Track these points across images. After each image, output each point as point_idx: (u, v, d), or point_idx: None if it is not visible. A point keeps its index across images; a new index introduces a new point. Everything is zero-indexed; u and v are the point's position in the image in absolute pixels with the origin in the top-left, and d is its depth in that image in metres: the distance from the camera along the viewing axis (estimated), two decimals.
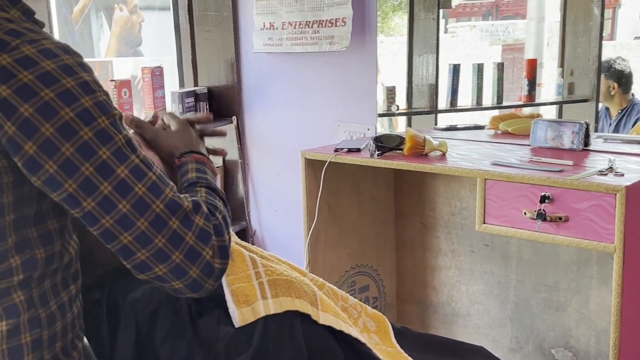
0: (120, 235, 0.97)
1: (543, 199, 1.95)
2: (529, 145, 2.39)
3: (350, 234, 2.66)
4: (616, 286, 1.83)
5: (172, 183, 1.04)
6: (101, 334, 1.23)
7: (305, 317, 1.30)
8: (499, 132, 2.72)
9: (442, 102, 3.49)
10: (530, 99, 3.57)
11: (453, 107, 3.59)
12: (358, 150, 2.42)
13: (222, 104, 3.23)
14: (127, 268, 1.01)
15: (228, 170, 3.28)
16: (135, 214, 0.97)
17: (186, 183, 1.17)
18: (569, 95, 3.63)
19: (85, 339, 1.16)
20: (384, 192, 2.77)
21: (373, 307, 2.75)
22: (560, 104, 3.66)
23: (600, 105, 3.45)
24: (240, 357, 1.22)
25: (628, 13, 4.15)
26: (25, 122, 0.91)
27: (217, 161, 3.29)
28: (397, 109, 3.10)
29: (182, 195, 1.04)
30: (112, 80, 2.82)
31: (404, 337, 1.59)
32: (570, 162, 2.09)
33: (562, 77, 3.63)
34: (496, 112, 3.34)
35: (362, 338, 1.37)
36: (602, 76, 3.38)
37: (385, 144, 2.34)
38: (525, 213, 1.99)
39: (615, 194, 1.80)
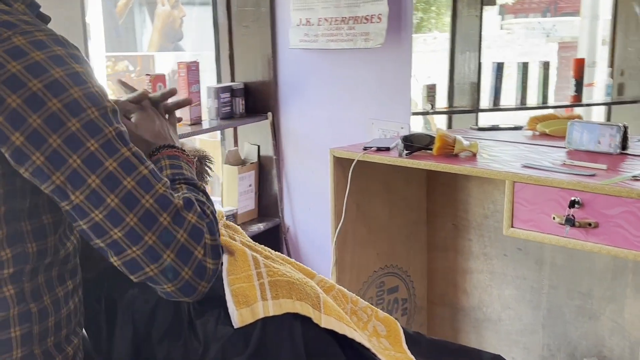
0: (110, 230, 0.94)
1: (572, 204, 1.88)
2: (564, 147, 2.32)
3: (380, 234, 2.62)
4: None
5: (165, 179, 1.01)
6: (100, 330, 1.22)
7: (306, 320, 1.27)
8: (537, 133, 2.65)
9: (485, 101, 3.42)
10: (578, 100, 3.46)
11: (496, 106, 3.50)
12: (387, 149, 2.38)
13: (258, 99, 3.22)
14: None
15: (263, 166, 3.27)
16: (124, 209, 0.94)
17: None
18: (619, 96, 3.51)
19: (83, 335, 1.15)
20: (416, 192, 2.72)
21: (402, 309, 2.73)
22: (608, 105, 3.54)
23: None
24: (236, 358, 1.20)
25: None
26: (13, 113, 0.90)
27: (252, 157, 3.28)
28: (431, 108, 3.04)
29: (175, 192, 1.02)
30: (147, 75, 2.83)
31: (416, 342, 1.55)
32: (604, 166, 2.01)
33: (612, 77, 3.51)
34: (541, 113, 3.26)
35: (367, 343, 1.33)
36: None
37: (415, 144, 2.30)
38: (554, 218, 1.92)
39: None
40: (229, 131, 3.36)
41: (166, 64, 3.80)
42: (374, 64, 2.83)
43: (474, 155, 2.25)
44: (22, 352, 1.00)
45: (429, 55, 3.90)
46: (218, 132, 3.47)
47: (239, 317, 1.23)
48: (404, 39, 2.74)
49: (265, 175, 3.28)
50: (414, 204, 2.72)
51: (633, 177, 1.89)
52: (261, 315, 1.24)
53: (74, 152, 0.92)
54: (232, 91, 3.15)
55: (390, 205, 2.64)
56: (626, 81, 3.44)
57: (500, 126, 2.81)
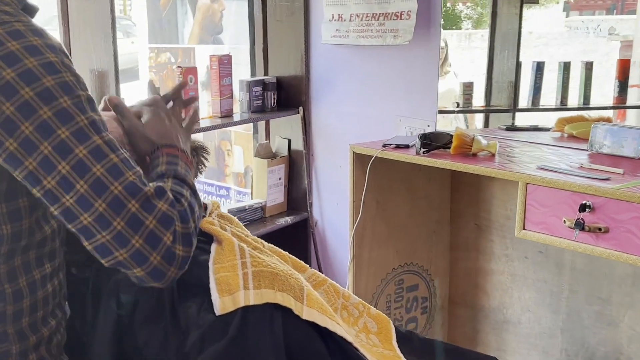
0: (80, 215, 0.97)
1: (583, 208, 1.86)
2: (587, 150, 2.29)
3: (400, 232, 2.63)
4: None
5: (138, 168, 1.03)
6: (85, 312, 1.27)
7: (287, 311, 1.30)
8: (565, 135, 2.62)
9: (524, 100, 3.39)
10: (621, 101, 3.40)
11: (535, 106, 3.46)
12: (406, 146, 2.39)
13: (290, 94, 3.26)
14: None
15: (293, 160, 3.31)
16: (93, 195, 0.97)
17: (155, 175, 1.16)
18: None
19: (65, 317, 1.19)
20: (439, 191, 2.72)
21: (422, 308, 2.74)
22: None
23: None
24: (215, 344, 1.24)
25: None
26: None
27: (283, 151, 3.32)
28: (457, 106, 3.03)
29: (147, 182, 1.04)
30: (178, 67, 2.89)
31: (409, 341, 1.57)
32: (620, 171, 1.98)
33: None
34: (582, 113, 3.21)
35: (349, 337, 1.35)
36: None
37: (433, 142, 2.30)
38: (564, 221, 1.91)
39: None
40: (262, 125, 3.40)
41: (206, 56, 3.86)
42: (402, 60, 2.84)
43: (493, 155, 2.24)
44: None
45: (470, 52, 3.88)
46: (251, 125, 3.52)
47: (220, 304, 1.27)
48: (432, 36, 2.74)
49: (296, 169, 3.31)
50: (437, 202, 2.72)
51: None
52: (242, 304, 1.27)
53: (45, 139, 0.95)
54: (264, 85, 3.19)
55: (412, 204, 2.64)
56: None
57: (527, 127, 2.77)
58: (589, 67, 3.42)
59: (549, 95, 3.45)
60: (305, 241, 3.31)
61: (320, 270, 3.28)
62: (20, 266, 1.06)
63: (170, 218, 1.02)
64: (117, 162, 1.00)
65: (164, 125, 1.27)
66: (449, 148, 2.27)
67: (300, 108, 3.21)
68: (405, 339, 1.56)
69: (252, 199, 3.32)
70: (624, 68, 3.47)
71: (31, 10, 1.12)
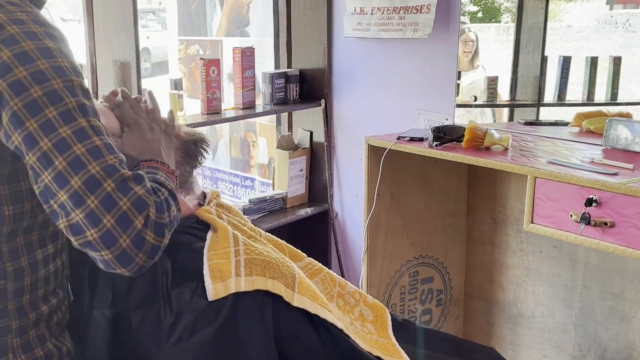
0: (57, 192, 1.00)
1: (589, 202, 1.86)
2: (601, 145, 2.27)
3: (415, 224, 2.65)
4: None
5: (120, 154, 1.05)
6: (82, 295, 1.32)
7: (277, 298, 1.34)
8: (584, 129, 2.60)
9: (549, 95, 3.36)
10: None
11: (560, 101, 3.44)
12: (421, 139, 2.40)
13: (312, 86, 3.29)
14: None
15: (315, 152, 3.34)
16: (70, 172, 0.99)
17: None
18: None
19: (67, 297, 1.24)
20: (455, 184, 2.72)
21: (437, 300, 2.75)
22: None
23: None
24: (206, 329, 1.28)
25: None
26: None
27: (305, 143, 3.35)
28: (475, 100, 3.02)
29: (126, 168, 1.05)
30: (201, 59, 2.94)
31: (405, 330, 1.59)
32: (630, 166, 1.97)
33: None
34: (602, 109, 3.18)
35: (339, 324, 1.38)
36: None
37: (446, 135, 2.31)
38: (571, 215, 1.90)
39: None
40: (285, 117, 3.44)
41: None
42: (422, 54, 2.85)
43: (506, 149, 2.24)
44: None
45: (497, 45, 3.85)
46: (274, 117, 3.56)
47: (213, 290, 1.30)
48: (451, 30, 2.74)
49: (317, 161, 3.34)
50: (453, 195, 2.72)
51: None
52: (233, 290, 1.30)
53: (32, 116, 0.99)
54: (286, 77, 3.23)
55: (427, 196, 2.65)
56: None
57: (545, 121, 2.76)
58: (617, 62, 3.38)
59: (576, 90, 3.41)
60: (326, 232, 3.34)
61: (339, 262, 3.31)
62: (23, 246, 1.11)
63: (145, 203, 1.02)
64: (99, 145, 1.02)
65: (144, 139, 1.28)
66: (462, 141, 2.27)
67: (322, 100, 3.24)
68: (401, 328, 1.58)
69: (273, 189, 3.36)
70: None
71: (38, 2, 1.17)
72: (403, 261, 2.65)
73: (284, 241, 1.57)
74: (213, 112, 2.91)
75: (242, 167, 4.05)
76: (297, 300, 1.35)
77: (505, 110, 3.54)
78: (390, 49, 2.97)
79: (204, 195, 1.52)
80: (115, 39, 2.56)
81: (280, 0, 3.35)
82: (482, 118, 3.33)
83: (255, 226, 2.87)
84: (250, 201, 3.14)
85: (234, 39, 3.96)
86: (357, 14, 3.04)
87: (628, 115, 2.63)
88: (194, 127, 2.85)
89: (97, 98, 2.58)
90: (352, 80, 3.16)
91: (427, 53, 2.83)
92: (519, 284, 2.63)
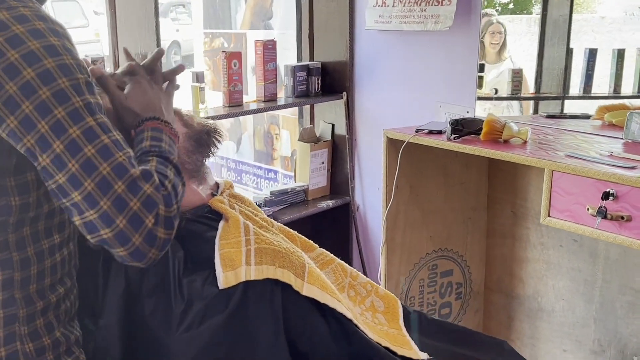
0: (71, 193, 1.04)
1: (606, 196, 1.86)
2: (622, 138, 2.26)
3: (434, 217, 2.65)
4: None
5: (128, 149, 1.09)
6: (96, 282, 1.35)
7: (287, 287, 1.36)
8: (606, 123, 2.58)
9: (575, 88, 3.34)
10: None
11: (586, 93, 3.41)
12: (439, 132, 2.41)
13: (334, 79, 3.30)
14: None
15: (337, 145, 3.36)
16: (83, 175, 1.03)
17: (139, 152, 1.20)
18: None
19: (75, 286, 1.27)
20: (476, 177, 2.72)
21: (456, 293, 2.76)
22: None
23: None
24: (216, 317, 1.31)
25: None
26: None
27: (327, 135, 3.37)
28: (496, 93, 3.01)
29: (136, 163, 1.09)
30: (223, 52, 2.97)
31: (416, 321, 1.60)
32: None
33: None
34: (625, 102, 3.15)
35: (349, 314, 1.40)
36: None
37: (465, 128, 2.32)
38: (588, 209, 1.91)
39: None
40: (307, 109, 3.46)
41: None
42: (443, 46, 2.85)
43: (525, 142, 2.24)
44: (3, 295, 1.13)
45: (528, 37, 3.82)
46: (297, 110, 3.58)
47: (224, 279, 1.33)
48: (472, 23, 2.74)
49: (339, 153, 3.36)
50: (473, 189, 2.72)
51: None
52: (243, 279, 1.33)
53: (43, 118, 1.02)
54: (308, 70, 3.25)
55: (447, 189, 2.66)
56: None
57: (567, 114, 2.75)
58: None
59: (603, 83, 3.38)
60: (347, 225, 3.36)
61: (360, 255, 3.33)
62: (29, 236, 1.14)
63: (154, 201, 1.06)
64: (108, 144, 1.05)
65: (146, 95, 1.31)
66: (480, 134, 2.28)
67: (344, 93, 3.26)
68: (413, 319, 1.59)
69: (295, 182, 3.39)
70: None
71: None
72: (422, 254, 2.66)
73: (296, 232, 1.59)
74: (235, 105, 2.94)
75: (266, 160, 4.09)
76: (307, 290, 1.37)
77: (532, 103, 3.53)
78: (411, 41, 2.97)
79: (217, 185, 1.54)
80: (137, 31, 2.60)
81: None
82: (509, 111, 3.32)
83: (277, 218, 2.91)
84: (271, 193, 3.17)
85: (258, 31, 3.99)
86: (378, 6, 3.05)
87: None
88: (216, 119, 2.89)
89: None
90: (374, 73, 3.17)
91: (448, 45, 2.83)
92: (539, 278, 2.63)
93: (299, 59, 3.43)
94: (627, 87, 3.34)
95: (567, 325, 2.56)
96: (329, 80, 3.31)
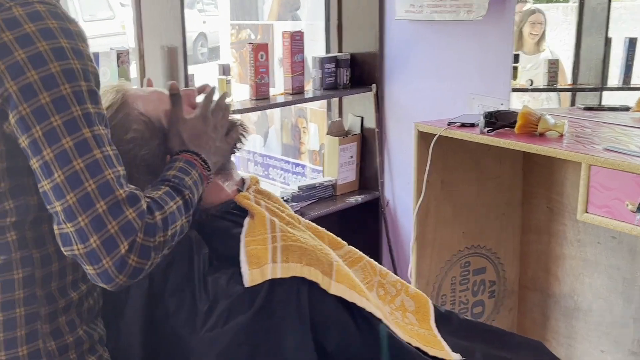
0: (53, 202, 1.04)
1: None
2: None
3: (467, 213, 2.63)
4: None
5: (119, 167, 1.08)
6: None
7: (314, 285, 1.35)
8: None
9: (614, 79, 3.28)
10: None
11: (626, 84, 3.35)
12: (472, 125, 2.38)
13: (363, 71, 3.29)
14: None
15: (366, 138, 3.34)
16: (67, 187, 1.03)
17: (160, 178, 1.21)
18: None
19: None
20: (510, 171, 2.69)
21: (489, 291, 2.73)
22: None
23: None
24: (241, 316, 1.30)
25: None
26: None
27: (356, 129, 3.36)
28: (531, 84, 2.97)
29: (126, 184, 1.08)
30: (249, 44, 2.97)
31: (448, 321, 1.58)
32: None
33: None
34: None
35: (378, 313, 1.39)
36: None
37: (498, 121, 2.29)
38: (627, 205, 1.87)
39: None
40: (336, 102, 3.45)
41: None
42: (476, 36, 2.82)
43: (561, 135, 2.21)
44: (24, 292, 1.13)
45: (564, 26, 3.76)
46: (325, 103, 3.57)
47: (249, 277, 1.32)
48: (507, 12, 2.70)
49: (368, 147, 3.34)
50: (507, 183, 2.69)
51: None
52: (269, 277, 1.32)
53: (38, 123, 1.02)
54: (337, 62, 3.23)
55: (479, 184, 2.63)
56: None
57: (605, 106, 2.70)
58: None
59: None
60: (376, 221, 3.35)
61: (390, 251, 3.31)
62: (48, 233, 1.14)
63: (133, 228, 1.06)
64: (99, 159, 1.05)
65: (203, 130, 1.35)
66: (515, 127, 2.25)
67: (374, 85, 3.24)
68: (444, 319, 1.57)
69: (323, 176, 3.38)
70: None
71: None
72: (454, 251, 2.64)
73: (323, 229, 1.58)
74: (261, 98, 2.94)
75: (293, 154, 4.08)
76: (334, 288, 1.36)
77: (569, 95, 3.47)
78: (443, 31, 2.95)
79: (242, 181, 1.54)
80: (162, 23, 2.60)
81: None
82: (548, 103, 3.28)
83: (304, 213, 2.90)
84: (299, 188, 3.17)
85: (285, 22, 3.99)
86: None
87: None
88: (243, 113, 2.90)
89: (142, 84, 2.64)
90: (404, 64, 3.15)
91: (481, 35, 2.80)
92: (575, 275, 2.59)
93: (328, 50, 3.42)
94: None
95: (604, 325, 2.52)
96: (358, 72, 3.30)
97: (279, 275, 1.33)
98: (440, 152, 2.48)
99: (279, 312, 1.32)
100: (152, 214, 1.10)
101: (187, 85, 2.50)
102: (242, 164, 4.33)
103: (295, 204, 3.07)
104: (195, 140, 1.32)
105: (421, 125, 2.46)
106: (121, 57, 2.51)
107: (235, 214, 1.45)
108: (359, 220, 3.35)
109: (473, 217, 2.65)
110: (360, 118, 3.34)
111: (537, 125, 2.21)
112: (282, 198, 2.88)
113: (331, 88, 3.24)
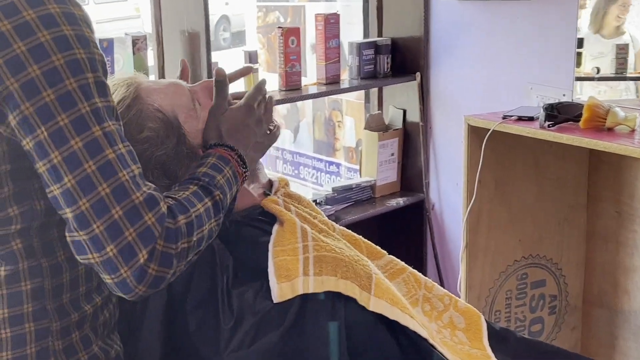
0: (64, 207, 1.04)
1: None
2: None
3: (524, 218, 2.61)
4: None
5: (135, 166, 1.07)
6: None
7: (351, 301, 1.34)
8: None
9: None
10: None
11: None
12: (531, 119, 2.36)
13: (406, 58, 3.27)
14: None
15: (408, 133, 3.33)
16: (79, 193, 1.03)
17: (188, 176, 1.22)
18: None
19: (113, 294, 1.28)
20: (574, 171, 2.67)
21: (550, 307, 2.70)
22: None
23: None
24: (269, 335, 1.29)
25: None
26: None
27: (397, 123, 3.34)
28: (597, 72, 2.92)
29: (143, 183, 1.08)
30: (279, 28, 2.97)
31: (504, 340, 1.56)
32: None
33: None
34: None
35: (424, 332, 1.37)
36: None
37: (561, 114, 2.27)
38: None
39: None
40: (374, 93, 3.44)
41: None
42: (535, 18, 2.79)
43: (632, 130, 2.18)
44: (33, 306, 1.13)
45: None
46: (363, 94, 3.56)
47: (278, 291, 1.32)
48: None
49: (411, 143, 3.33)
50: (571, 185, 2.67)
51: None
52: (300, 292, 1.31)
53: (43, 123, 1.02)
54: (376, 47, 3.22)
55: (539, 186, 2.62)
56: None
57: None
58: None
59: None
60: (420, 227, 3.33)
61: (436, 261, 3.29)
62: (57, 240, 1.14)
63: (152, 235, 1.05)
64: (112, 159, 1.04)
65: (243, 123, 1.36)
66: (580, 121, 2.23)
67: (418, 74, 3.22)
68: (499, 338, 1.55)
69: (360, 176, 3.37)
70: None
71: None
72: (509, 261, 2.62)
73: (360, 236, 1.57)
74: (292, 88, 2.95)
75: (327, 151, 4.08)
76: (373, 304, 1.34)
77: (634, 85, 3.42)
78: (497, 12, 2.93)
79: (270, 183, 1.53)
80: (183, 6, 2.61)
81: None
82: (626, 94, 3.22)
83: (339, 218, 2.90)
84: (334, 190, 3.16)
85: (318, 4, 3.99)
86: None
87: None
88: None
89: (163, 72, 2.65)
90: (453, 50, 3.13)
91: (541, 17, 2.77)
92: None
93: (366, 35, 3.41)
94: None
95: None
96: (400, 59, 3.29)
97: (311, 290, 1.32)
98: (494, 149, 2.47)
99: (312, 331, 1.31)
100: (174, 218, 1.09)
101: (210, 74, 2.51)
102: (270, 162, 4.35)
103: (328, 207, 3.07)
104: (235, 134, 1.33)
105: (472, 119, 2.45)
106: (137, 44, 2.52)
107: (262, 220, 1.44)
108: (401, 226, 3.34)
109: (531, 223, 2.63)
110: (402, 111, 3.33)
111: (605, 118, 2.19)
112: (314, 201, 2.88)
113: (370, 77, 3.23)
